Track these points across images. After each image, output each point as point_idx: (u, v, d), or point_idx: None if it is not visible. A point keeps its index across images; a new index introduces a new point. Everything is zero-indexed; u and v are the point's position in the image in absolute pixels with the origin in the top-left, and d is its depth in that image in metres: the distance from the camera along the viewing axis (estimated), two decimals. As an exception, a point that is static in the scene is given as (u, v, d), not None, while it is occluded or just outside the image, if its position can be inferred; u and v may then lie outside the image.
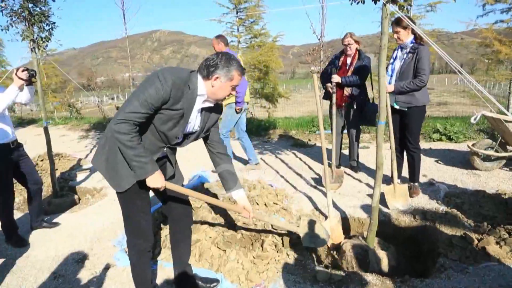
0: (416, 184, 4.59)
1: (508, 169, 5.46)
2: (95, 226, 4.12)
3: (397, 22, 4.14)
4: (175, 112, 2.21)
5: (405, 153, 4.61)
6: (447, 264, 3.09)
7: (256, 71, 8.69)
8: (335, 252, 3.69)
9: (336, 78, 4.88)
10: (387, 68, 4.41)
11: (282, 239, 3.48)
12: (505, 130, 4.98)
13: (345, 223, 4.16)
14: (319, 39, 8.94)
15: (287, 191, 4.81)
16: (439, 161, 5.96)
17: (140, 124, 2.15)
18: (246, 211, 2.74)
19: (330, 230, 3.89)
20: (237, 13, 8.83)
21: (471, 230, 3.57)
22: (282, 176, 5.53)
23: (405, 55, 4.25)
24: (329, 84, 4.99)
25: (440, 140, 7.35)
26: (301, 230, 3.38)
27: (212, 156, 2.68)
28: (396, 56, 4.39)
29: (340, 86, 5.03)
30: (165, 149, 2.43)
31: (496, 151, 5.31)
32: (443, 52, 3.00)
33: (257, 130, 9.01)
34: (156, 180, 2.21)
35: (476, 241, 3.31)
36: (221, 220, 3.58)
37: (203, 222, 3.56)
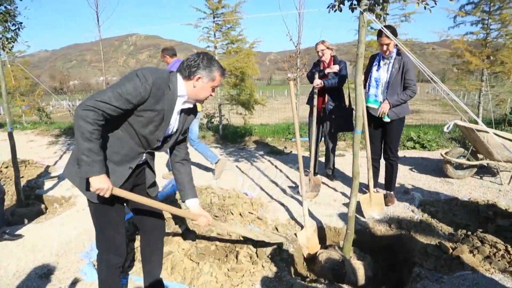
0: (392, 192, 4.59)
1: (479, 177, 5.56)
2: (61, 237, 3.91)
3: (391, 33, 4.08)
4: (156, 113, 2.12)
5: (382, 161, 4.62)
6: (423, 274, 3.07)
7: (233, 77, 8.60)
8: (311, 262, 3.64)
9: (318, 81, 4.87)
10: (368, 78, 4.41)
11: (256, 251, 3.38)
12: (477, 139, 5.07)
13: (321, 232, 4.10)
14: (296, 46, 8.95)
15: (262, 200, 4.73)
16: (413, 169, 6.03)
17: (108, 119, 2.00)
18: (204, 217, 2.64)
19: (306, 240, 3.84)
20: (214, 18, 8.74)
21: (446, 238, 3.59)
22: (257, 184, 5.45)
23: (391, 67, 4.23)
24: (315, 85, 4.98)
25: (414, 148, 7.46)
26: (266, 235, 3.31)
27: (175, 160, 2.59)
28: (378, 66, 4.34)
29: (320, 92, 5.03)
30: (144, 155, 2.32)
31: (468, 159, 5.40)
32: (420, 63, 3.01)
33: (233, 136, 8.92)
34: (101, 182, 1.99)
35: (450, 250, 3.31)
36: (194, 231, 3.46)
37: (175, 234, 3.43)
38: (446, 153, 5.50)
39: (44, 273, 3.22)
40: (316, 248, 3.86)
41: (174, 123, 2.30)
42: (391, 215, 4.23)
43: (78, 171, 2.00)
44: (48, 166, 6.80)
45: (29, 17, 5.77)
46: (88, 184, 2.05)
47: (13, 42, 4.67)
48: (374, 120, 4.44)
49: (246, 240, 3.49)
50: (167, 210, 2.49)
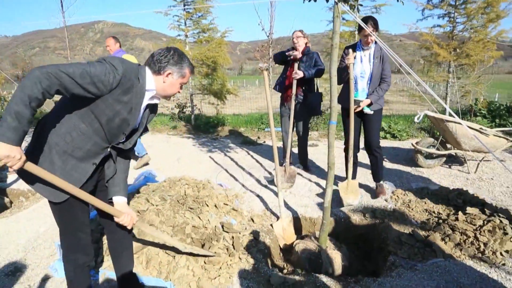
0: (382, 183, 4.62)
1: (447, 166, 5.72)
2: (28, 233, 3.72)
3: (374, 24, 4.00)
4: (122, 105, 2.00)
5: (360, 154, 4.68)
6: (397, 262, 3.12)
7: (204, 66, 8.44)
8: (287, 253, 3.64)
9: (300, 74, 4.80)
10: (353, 70, 4.23)
11: (233, 242, 3.35)
12: (446, 129, 5.20)
13: (297, 222, 4.10)
14: (268, 36, 8.89)
15: (237, 191, 4.68)
16: (385, 159, 6.13)
17: (61, 95, 1.85)
18: (127, 215, 2.39)
19: (282, 230, 3.84)
20: (184, 6, 8.52)
21: (418, 227, 3.66)
22: (231, 175, 5.39)
23: (372, 58, 4.22)
24: (295, 76, 4.88)
25: (385, 138, 7.60)
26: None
27: (117, 157, 2.38)
28: (360, 59, 4.29)
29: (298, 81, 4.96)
30: (108, 150, 2.19)
31: (438, 149, 5.54)
32: (395, 55, 3.02)
33: (206, 127, 8.80)
34: (12, 150, 1.68)
35: (423, 238, 3.39)
36: (169, 223, 3.37)
37: (150, 225, 3.32)
38: (416, 143, 5.62)
39: (10, 270, 3.06)
40: (292, 238, 3.87)
41: (139, 118, 2.20)
42: (365, 205, 4.29)
43: None
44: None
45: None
46: (45, 183, 1.90)
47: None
48: (355, 112, 4.43)
49: (222, 232, 3.45)
50: (95, 203, 2.22)
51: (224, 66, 8.94)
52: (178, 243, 2.94)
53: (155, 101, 2.22)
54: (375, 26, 3.97)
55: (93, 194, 2.24)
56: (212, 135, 8.38)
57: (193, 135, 8.37)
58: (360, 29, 4.03)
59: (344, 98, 4.35)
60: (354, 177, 4.61)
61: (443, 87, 9.14)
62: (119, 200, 2.39)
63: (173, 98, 9.63)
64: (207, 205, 3.84)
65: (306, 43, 5.06)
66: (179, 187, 4.18)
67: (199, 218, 3.56)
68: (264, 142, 7.66)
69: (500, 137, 5.28)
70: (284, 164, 4.94)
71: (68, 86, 1.77)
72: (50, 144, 1.98)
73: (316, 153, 6.54)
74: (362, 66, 4.29)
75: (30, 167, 1.84)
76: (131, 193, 3.98)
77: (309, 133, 8.17)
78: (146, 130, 2.36)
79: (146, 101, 2.14)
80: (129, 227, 2.45)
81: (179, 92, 2.23)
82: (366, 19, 3.98)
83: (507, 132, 6.16)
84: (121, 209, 2.36)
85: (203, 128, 8.71)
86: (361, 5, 3.20)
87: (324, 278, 2.95)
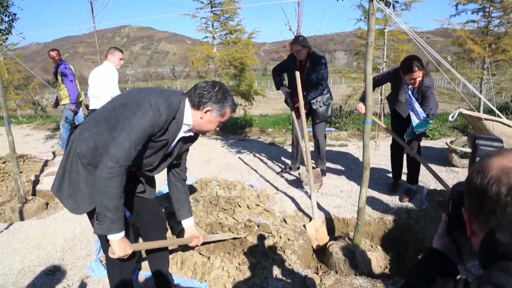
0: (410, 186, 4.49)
1: (483, 165, 5.53)
2: (65, 233, 3.83)
3: (421, 65, 3.76)
4: (159, 143, 2.03)
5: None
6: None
7: (232, 68, 8.48)
8: (320, 254, 3.60)
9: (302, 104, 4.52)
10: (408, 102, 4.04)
11: (268, 243, 3.34)
12: (482, 127, 5.02)
13: (329, 223, 4.06)
14: (295, 35, 8.82)
15: (268, 191, 4.67)
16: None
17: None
18: (195, 238, 2.57)
19: (315, 231, 3.80)
20: (211, 8, 8.58)
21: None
22: (261, 176, 5.38)
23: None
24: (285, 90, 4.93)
25: (417, 137, 7.41)
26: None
27: (172, 181, 2.49)
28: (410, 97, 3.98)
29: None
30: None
31: (474, 148, 5.36)
32: (433, 52, 2.94)
33: (233, 128, 8.83)
34: (123, 245, 1.97)
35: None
36: (202, 224, 3.39)
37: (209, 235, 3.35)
38: (451, 142, 5.46)
39: (50, 270, 3.15)
40: (325, 239, 3.83)
41: (172, 149, 2.20)
42: (399, 206, 4.20)
43: (98, 227, 1.90)
44: (46, 161, 6.68)
45: (22, 8, 5.63)
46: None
47: (7, 34, 4.54)
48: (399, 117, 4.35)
49: (258, 231, 3.45)
50: (161, 244, 2.49)
51: (251, 67, 8.95)
52: (225, 234, 3.21)
53: (189, 134, 2.18)
54: (422, 66, 3.76)
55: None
56: (240, 136, 8.40)
57: (221, 136, 8.42)
58: (406, 71, 3.78)
59: (391, 101, 4.40)
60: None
61: (476, 84, 8.85)
62: (188, 223, 2.54)
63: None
64: (240, 206, 3.84)
65: (308, 51, 4.76)
66: (210, 188, 4.21)
67: (233, 218, 3.56)
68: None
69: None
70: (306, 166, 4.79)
71: (130, 163, 1.91)
72: (76, 154, 2.02)
73: (346, 154, 6.44)
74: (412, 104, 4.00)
75: (135, 247, 2.10)
76: (163, 195, 4.03)
77: (339, 133, 8.10)
78: (178, 159, 2.36)
79: (181, 134, 2.12)
80: (199, 244, 2.64)
81: (216, 129, 2.20)
82: (411, 61, 3.76)
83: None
84: (190, 231, 2.54)
85: (231, 129, 8.74)
86: (396, 1, 3.12)
87: (360, 279, 2.91)
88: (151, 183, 2.44)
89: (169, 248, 2.87)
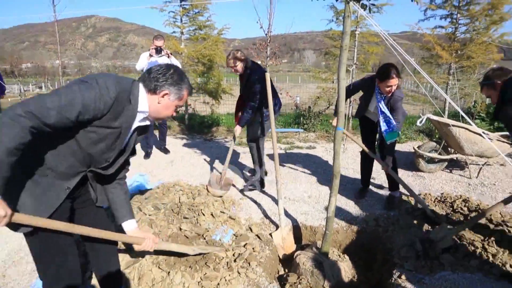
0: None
1: (448, 170, 5.59)
2: (9, 245, 3.47)
3: (398, 73, 3.75)
4: (111, 130, 1.78)
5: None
6: (404, 275, 2.97)
7: (200, 65, 8.21)
8: (287, 263, 3.47)
9: (238, 131, 4.55)
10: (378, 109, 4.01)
11: (233, 254, 3.17)
12: (448, 133, 5.05)
13: (297, 231, 3.94)
14: (266, 34, 8.67)
15: (233, 197, 4.49)
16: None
17: (45, 134, 1.56)
18: (148, 239, 2.24)
19: (281, 240, 3.67)
20: (181, 2, 8.27)
21: (423, 237, 3.51)
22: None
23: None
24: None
25: (384, 140, 7.45)
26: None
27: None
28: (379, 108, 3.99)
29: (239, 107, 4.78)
30: (86, 174, 1.94)
31: (440, 153, 5.40)
32: (403, 52, 2.86)
33: (200, 127, 8.59)
34: None
35: (427, 250, 3.24)
36: (163, 235, 3.17)
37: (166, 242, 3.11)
38: (418, 147, 5.47)
39: (-13, 288, 2.84)
40: (292, 248, 3.71)
41: (127, 141, 1.98)
42: (367, 213, 4.13)
43: None
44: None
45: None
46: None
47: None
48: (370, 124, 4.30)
49: (221, 244, 3.27)
50: (107, 236, 2.06)
51: (220, 65, 8.73)
52: (187, 247, 2.88)
53: (146, 122, 1.99)
54: (399, 74, 3.74)
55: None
56: (206, 135, 8.17)
57: (187, 135, 8.15)
58: (384, 78, 3.73)
59: (360, 109, 4.36)
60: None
61: (442, 88, 9.03)
62: (130, 226, 2.21)
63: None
64: (203, 214, 3.65)
65: (246, 65, 4.50)
66: (173, 194, 3.99)
67: (196, 228, 3.36)
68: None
69: (503, 141, 5.15)
70: (223, 170, 4.64)
71: (52, 123, 1.52)
72: (19, 162, 1.57)
73: (314, 157, 6.36)
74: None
75: (20, 218, 1.58)
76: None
77: (307, 134, 8.03)
78: (133, 153, 2.12)
79: (136, 124, 1.92)
80: (151, 250, 2.29)
81: (172, 115, 2.03)
82: (389, 68, 3.71)
83: (505, 136, 6.04)
84: (135, 235, 2.20)
85: (197, 128, 8.49)
86: (373, 4, 3.01)
87: (328, 293, 2.78)
88: (122, 187, 2.20)
89: (125, 262, 2.64)
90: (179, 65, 6.44)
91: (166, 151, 6.52)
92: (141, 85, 1.87)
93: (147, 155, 6.20)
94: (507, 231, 3.40)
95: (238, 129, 4.56)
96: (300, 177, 5.32)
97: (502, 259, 3.07)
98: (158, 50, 5.85)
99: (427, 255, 3.19)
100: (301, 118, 8.61)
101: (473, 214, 3.86)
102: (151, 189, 4.22)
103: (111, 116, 1.73)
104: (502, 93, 2.65)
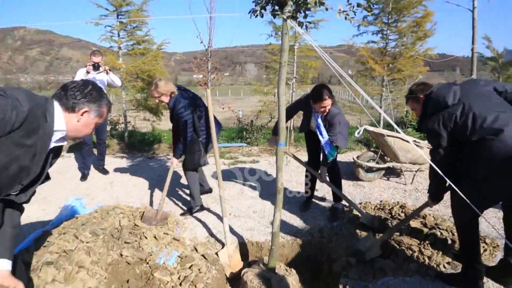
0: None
1: (386, 178, 5.85)
2: None
3: (330, 93, 3.88)
4: (24, 150, 1.62)
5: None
6: (349, 284, 3.03)
7: (139, 80, 7.97)
8: (235, 282, 3.41)
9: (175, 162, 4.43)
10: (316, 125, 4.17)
11: (179, 277, 3.06)
12: (384, 143, 5.30)
13: (243, 248, 3.89)
14: (206, 49, 8.64)
15: (177, 216, 4.36)
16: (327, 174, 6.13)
17: None
18: None
19: (228, 258, 3.60)
20: (117, 16, 8.01)
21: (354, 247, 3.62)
22: (171, 199, 5.03)
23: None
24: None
25: (324, 151, 7.66)
26: None
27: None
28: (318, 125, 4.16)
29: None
30: None
31: (377, 162, 5.64)
32: (337, 66, 2.96)
33: (141, 145, 8.29)
34: None
35: (369, 259, 3.35)
36: (103, 264, 2.98)
37: (79, 268, 2.91)
38: (357, 157, 5.68)
39: None
40: (239, 265, 3.65)
41: (43, 163, 1.80)
42: (312, 225, 4.18)
43: None
44: None
45: None
46: None
47: None
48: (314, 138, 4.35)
49: (166, 266, 3.14)
50: None
51: (160, 80, 8.52)
52: None
53: (62, 143, 1.86)
54: (331, 95, 3.89)
55: None
56: (148, 153, 7.90)
57: (127, 154, 7.84)
58: (317, 100, 3.86)
59: (303, 126, 4.42)
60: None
61: (377, 100, 9.51)
62: (3, 265, 1.75)
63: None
64: (146, 237, 3.49)
65: (170, 95, 4.20)
66: (113, 218, 3.78)
67: (138, 252, 3.21)
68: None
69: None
70: (159, 205, 4.28)
71: None
72: None
73: (258, 171, 6.37)
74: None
75: None
76: (56, 228, 3.51)
77: (250, 148, 8.06)
78: (47, 178, 1.91)
79: (52, 144, 1.78)
80: None
81: (90, 134, 1.94)
82: (321, 89, 3.85)
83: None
84: (1, 281, 1.73)
85: (138, 146, 8.19)
86: (309, 22, 3.09)
87: (276, 311, 2.76)
88: (12, 218, 1.85)
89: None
90: (120, 82, 6.21)
91: (105, 171, 6.22)
92: (56, 103, 1.76)
93: (84, 177, 5.86)
94: (439, 233, 3.61)
95: (174, 161, 4.39)
96: (244, 192, 5.31)
97: (437, 260, 3.25)
98: (96, 67, 5.59)
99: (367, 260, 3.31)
100: (244, 132, 8.63)
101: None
102: (88, 214, 3.97)
103: (23, 133, 1.58)
104: (424, 107, 2.83)
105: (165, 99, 4.16)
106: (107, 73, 5.73)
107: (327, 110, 3.95)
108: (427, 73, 8.86)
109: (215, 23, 7.99)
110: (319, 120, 4.09)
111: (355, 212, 4.35)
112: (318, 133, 4.13)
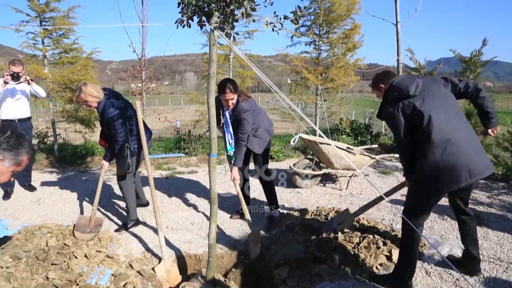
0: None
1: (322, 184, 6.04)
2: None
3: (233, 88, 3.93)
4: None
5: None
6: (287, 293, 3.06)
7: (68, 91, 7.53)
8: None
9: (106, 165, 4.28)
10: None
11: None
12: (319, 150, 5.48)
13: (181, 261, 3.80)
14: (139, 58, 8.45)
15: (111, 232, 4.17)
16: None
17: None
18: None
19: (165, 273, 3.50)
20: (41, 23, 7.52)
21: (303, 251, 3.69)
22: (105, 214, 4.80)
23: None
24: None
25: (263, 159, 7.75)
26: None
27: None
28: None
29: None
30: None
31: (313, 169, 5.81)
32: (264, 76, 3.02)
33: (72, 158, 7.83)
34: None
35: (304, 264, 3.42)
36: (25, 288, 2.76)
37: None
38: (294, 165, 5.80)
39: None
40: (178, 280, 3.57)
41: None
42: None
43: None
44: None
45: None
46: None
47: None
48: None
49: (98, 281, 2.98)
50: None
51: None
52: None
53: None
54: (235, 90, 3.94)
55: None
56: (80, 167, 7.48)
57: (57, 168, 7.36)
58: (220, 92, 3.95)
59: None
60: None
61: (312, 108, 9.83)
62: None
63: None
64: (76, 257, 3.29)
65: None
66: (38, 238, 3.53)
67: (67, 274, 3.01)
68: (141, 172, 7.12)
69: (364, 155, 5.77)
70: (92, 211, 4.21)
71: None
72: None
73: (195, 182, 6.30)
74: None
75: None
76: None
77: (188, 158, 7.94)
78: None
79: None
80: None
81: (7, 181, 1.81)
82: (224, 83, 3.91)
83: (368, 149, 6.82)
84: None
85: (69, 160, 7.72)
86: (237, 33, 3.13)
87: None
88: None
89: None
90: (44, 93, 5.81)
91: (31, 188, 5.79)
92: None
93: (7, 195, 5.41)
94: (371, 236, 3.78)
95: (105, 164, 4.23)
96: (182, 204, 5.20)
97: (370, 262, 3.39)
98: (16, 77, 5.21)
99: (304, 267, 3.37)
100: (182, 143, 8.50)
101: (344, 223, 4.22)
102: (9, 236, 3.66)
103: None
104: (385, 95, 2.98)
105: (93, 103, 3.96)
106: (28, 83, 5.36)
107: (231, 105, 4.02)
108: (362, 82, 9.35)
109: (148, 32, 7.87)
110: (227, 115, 4.22)
111: (290, 219, 4.44)
112: (225, 128, 4.28)
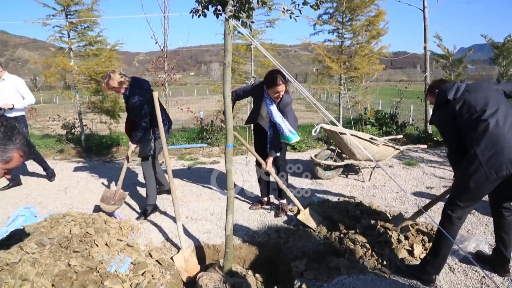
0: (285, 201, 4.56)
1: (344, 175, 5.95)
2: None
3: (284, 78, 3.86)
4: None
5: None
6: (304, 284, 3.04)
7: (93, 82, 7.70)
8: (192, 286, 3.35)
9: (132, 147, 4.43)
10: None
11: (130, 284, 2.97)
12: (340, 141, 5.38)
13: (200, 251, 3.83)
14: (162, 49, 8.51)
15: (132, 221, 4.25)
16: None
17: None
18: None
19: (184, 262, 3.54)
20: (66, 16, 7.69)
21: (322, 243, 3.65)
22: (127, 203, 4.90)
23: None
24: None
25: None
26: None
27: None
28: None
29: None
30: None
31: (335, 160, 5.72)
32: (280, 66, 2.98)
33: (98, 148, 8.03)
34: None
35: (323, 258, 3.38)
36: (49, 275, 2.85)
37: (23, 281, 2.77)
38: (315, 156, 5.73)
39: None
40: (196, 269, 3.60)
41: None
42: (269, 225, 4.18)
43: None
44: None
45: None
46: None
47: None
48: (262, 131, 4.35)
49: (128, 273, 3.06)
50: None
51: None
52: None
53: None
54: (285, 80, 3.86)
55: None
56: (106, 157, 7.66)
57: (84, 158, 7.57)
58: (271, 85, 3.87)
59: (252, 115, 4.36)
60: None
61: (336, 97, 9.67)
62: None
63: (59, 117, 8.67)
64: (97, 245, 3.37)
65: (125, 87, 4.30)
66: (63, 226, 3.63)
67: (88, 261, 3.09)
68: (162, 162, 7.22)
69: (388, 146, 5.63)
70: (117, 186, 4.50)
71: None
72: None
73: (217, 172, 6.32)
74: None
75: None
76: (1, 241, 3.33)
77: (211, 149, 7.99)
78: None
79: None
80: None
81: (4, 176, 1.69)
82: (274, 75, 3.84)
83: (393, 139, 6.65)
84: None
85: (95, 150, 7.93)
86: (253, 22, 3.07)
87: (231, 315, 2.73)
88: None
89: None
90: (23, 84, 5.51)
91: (50, 176, 6.00)
92: None
93: (53, 176, 5.75)
94: (392, 231, 3.69)
95: (131, 146, 4.39)
96: (202, 194, 5.24)
97: (390, 257, 3.32)
98: None
99: (322, 259, 3.33)
100: (204, 133, 8.55)
101: (365, 215, 4.14)
102: (36, 224, 3.79)
103: None
104: (435, 101, 3.04)
105: (121, 90, 4.20)
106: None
107: (281, 96, 3.96)
108: (389, 70, 9.13)
109: (169, 23, 7.90)
110: (274, 107, 4.06)
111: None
112: (271, 118, 4.10)
